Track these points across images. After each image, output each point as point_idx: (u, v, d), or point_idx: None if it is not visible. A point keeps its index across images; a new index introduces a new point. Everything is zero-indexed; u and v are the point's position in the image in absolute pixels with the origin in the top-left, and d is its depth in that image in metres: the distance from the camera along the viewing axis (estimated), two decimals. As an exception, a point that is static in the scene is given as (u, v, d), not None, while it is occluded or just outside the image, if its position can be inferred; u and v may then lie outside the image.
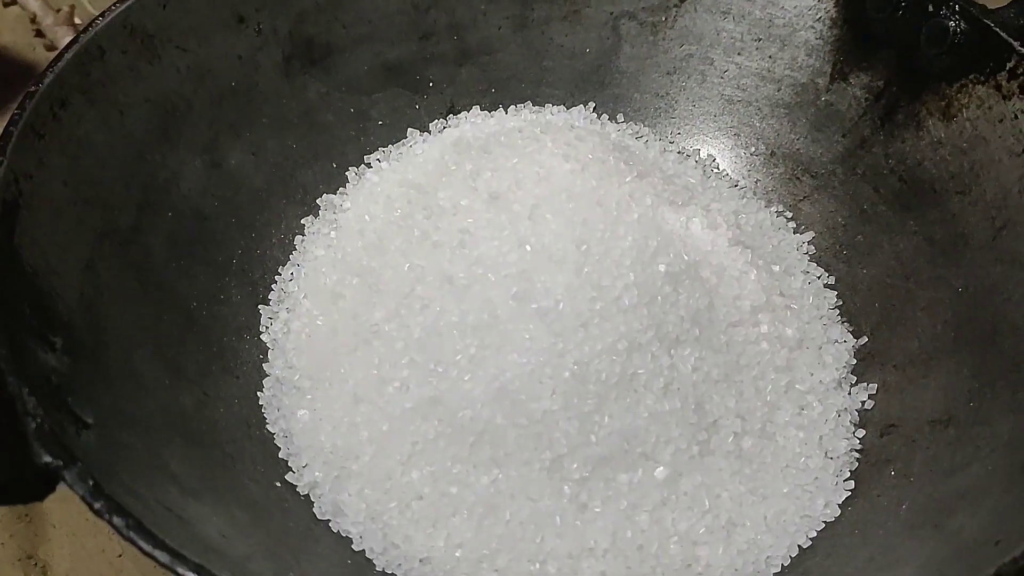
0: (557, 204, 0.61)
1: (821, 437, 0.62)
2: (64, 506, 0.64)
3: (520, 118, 0.74)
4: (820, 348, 0.66)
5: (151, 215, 0.62)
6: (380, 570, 0.56)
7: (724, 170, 0.77)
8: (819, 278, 0.70)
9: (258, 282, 0.68)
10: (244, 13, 0.68)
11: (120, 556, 0.64)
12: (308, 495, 0.59)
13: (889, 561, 0.55)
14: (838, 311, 0.69)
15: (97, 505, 0.42)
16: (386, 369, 0.60)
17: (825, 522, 0.59)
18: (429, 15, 0.75)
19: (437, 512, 0.57)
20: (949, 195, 0.66)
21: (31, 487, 0.43)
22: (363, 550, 0.57)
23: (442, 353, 0.58)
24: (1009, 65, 0.62)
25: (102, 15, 0.60)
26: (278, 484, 0.58)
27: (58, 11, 0.90)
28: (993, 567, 0.47)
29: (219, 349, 0.63)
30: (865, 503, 0.60)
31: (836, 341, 0.66)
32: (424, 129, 0.75)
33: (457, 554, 0.56)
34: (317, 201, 0.71)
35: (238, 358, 0.64)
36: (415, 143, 0.74)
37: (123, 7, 0.61)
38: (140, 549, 0.41)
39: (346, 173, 0.73)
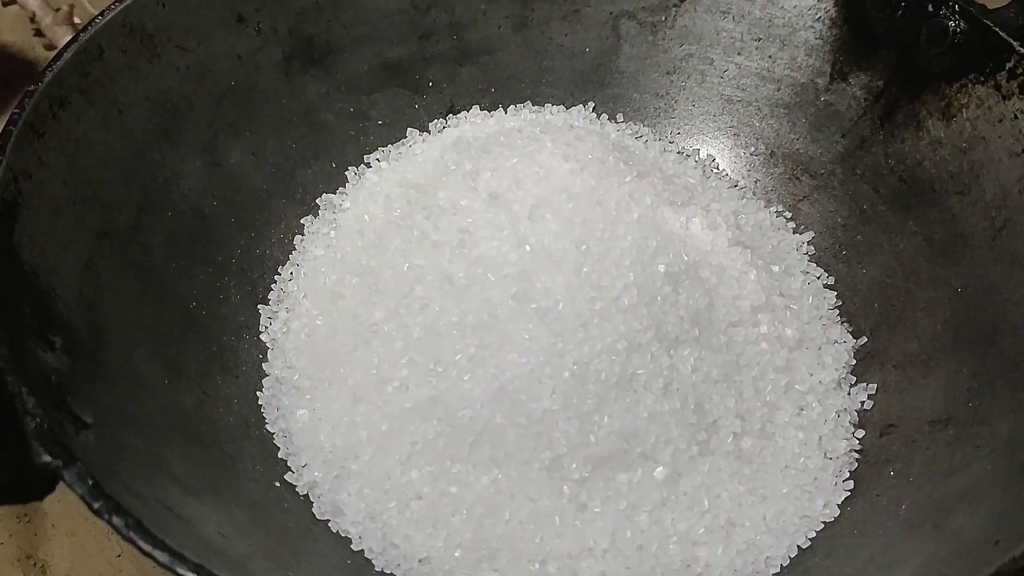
0: (557, 204, 0.61)
1: (820, 437, 0.62)
2: (63, 506, 0.64)
3: (520, 118, 0.74)
4: (820, 348, 0.66)
5: (151, 214, 0.62)
6: (379, 570, 0.56)
7: (724, 170, 0.77)
8: (819, 278, 0.70)
9: (257, 282, 0.68)
10: (244, 12, 0.68)
11: (119, 556, 0.64)
12: (307, 495, 0.59)
13: (888, 561, 0.55)
14: (838, 311, 0.69)
15: (96, 505, 0.42)
16: (385, 369, 0.60)
17: (824, 522, 0.59)
18: (429, 15, 0.75)
19: (436, 512, 0.57)
20: (949, 195, 0.66)
21: (31, 487, 0.43)
22: (362, 550, 0.57)
23: (442, 353, 0.58)
24: (1009, 65, 0.62)
25: (101, 14, 0.60)
26: (277, 484, 0.58)
27: (57, 10, 0.90)
28: (993, 567, 0.47)
29: (219, 349, 0.63)
30: (864, 503, 0.60)
31: (836, 341, 0.66)
32: (424, 129, 0.75)
33: (456, 554, 0.56)
34: (317, 201, 0.71)
35: (237, 358, 0.64)
36: (415, 143, 0.74)
37: (122, 6, 0.61)
38: (139, 549, 0.41)
39: (346, 173, 0.73)
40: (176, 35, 0.64)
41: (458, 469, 0.57)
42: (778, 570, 0.58)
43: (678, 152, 0.76)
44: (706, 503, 0.58)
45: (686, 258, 0.61)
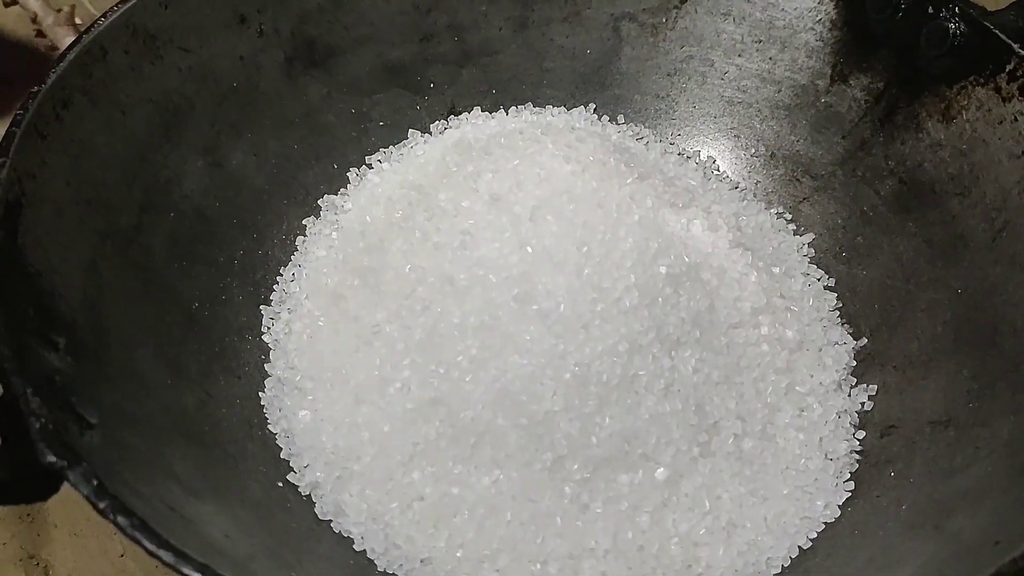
0: (558, 206, 0.61)
1: (821, 439, 0.62)
2: (66, 506, 0.64)
3: (521, 119, 0.74)
4: (820, 350, 0.66)
5: (153, 215, 0.62)
6: (382, 570, 0.56)
7: (724, 172, 0.77)
8: (819, 280, 0.70)
9: (260, 282, 0.68)
10: (246, 14, 0.68)
11: (122, 556, 0.64)
12: (309, 495, 0.59)
13: (889, 562, 0.55)
14: (838, 313, 0.69)
15: (102, 505, 0.42)
16: (387, 370, 0.60)
17: (825, 523, 0.60)
18: (430, 16, 0.75)
19: (438, 513, 0.57)
20: (949, 197, 0.66)
21: (35, 487, 0.43)
22: (364, 550, 0.57)
23: (443, 354, 0.59)
24: (1009, 67, 0.63)
25: (104, 15, 0.60)
26: (280, 484, 0.58)
27: (59, 11, 0.90)
28: (993, 568, 0.47)
29: (221, 349, 0.63)
30: (865, 504, 0.60)
31: (836, 343, 0.67)
32: (425, 130, 0.75)
33: (458, 554, 0.56)
34: (318, 202, 0.71)
35: (240, 358, 0.64)
36: (416, 144, 0.74)
37: (125, 7, 0.61)
38: (145, 549, 0.41)
39: (347, 174, 0.73)
40: (178, 36, 0.64)
41: (460, 470, 0.57)
42: (779, 571, 0.58)
43: (679, 154, 0.77)
44: (707, 504, 0.58)
45: (687, 260, 0.62)
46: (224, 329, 0.64)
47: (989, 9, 0.65)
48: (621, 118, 0.78)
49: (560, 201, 0.61)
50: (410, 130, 0.75)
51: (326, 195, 0.72)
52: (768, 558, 0.58)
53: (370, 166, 0.73)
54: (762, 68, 0.76)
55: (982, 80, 0.64)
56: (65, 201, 0.56)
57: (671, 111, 0.79)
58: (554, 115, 0.76)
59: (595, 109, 0.78)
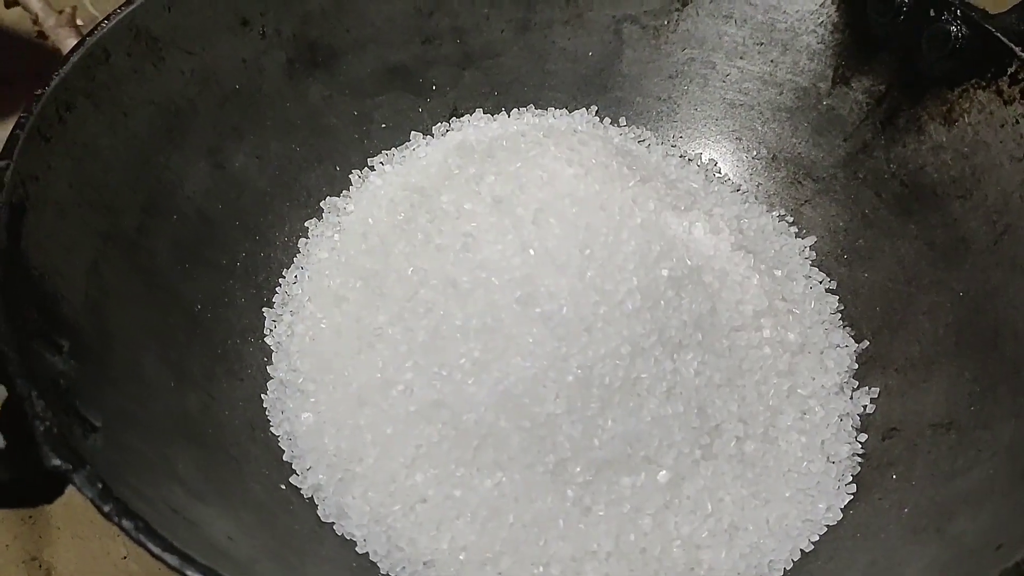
0: (560, 208, 0.61)
1: (823, 441, 0.62)
2: (68, 508, 0.65)
3: (523, 122, 0.75)
4: (822, 353, 0.66)
5: (155, 218, 0.62)
6: (384, 573, 0.56)
7: (726, 174, 0.77)
8: (821, 283, 0.70)
9: (262, 285, 0.68)
10: (248, 16, 0.68)
11: (125, 558, 0.64)
12: (312, 497, 0.59)
13: (891, 564, 0.55)
14: (840, 315, 0.69)
15: (106, 508, 0.42)
16: (390, 372, 0.60)
17: (827, 526, 0.60)
18: (432, 18, 0.75)
19: (441, 515, 0.57)
20: (950, 199, 0.66)
21: (40, 490, 0.43)
22: (367, 552, 0.57)
23: (446, 357, 0.59)
24: (1010, 70, 0.63)
25: (107, 18, 0.60)
26: (283, 486, 0.58)
27: (60, 12, 0.90)
28: (995, 571, 0.47)
29: (223, 352, 0.63)
30: (867, 507, 0.60)
31: (838, 346, 0.67)
32: (427, 132, 0.75)
33: (461, 557, 0.56)
34: (320, 204, 0.72)
35: (242, 361, 0.64)
36: (418, 146, 0.74)
37: (128, 10, 0.61)
38: (149, 552, 0.41)
39: (349, 176, 0.73)
40: (181, 39, 0.64)
41: (462, 472, 0.57)
42: (781, 573, 0.58)
43: (680, 156, 0.77)
44: (709, 507, 0.58)
45: (689, 263, 0.62)
46: (227, 331, 0.64)
47: (990, 12, 0.65)
48: (623, 120, 0.78)
49: (563, 204, 0.61)
50: (412, 132, 0.75)
51: (328, 197, 0.72)
52: (770, 561, 0.58)
53: (372, 168, 0.73)
54: (764, 71, 0.76)
55: (984, 83, 0.64)
56: (68, 203, 0.56)
57: (673, 113, 0.79)
58: (556, 117, 0.76)
59: (597, 111, 0.78)
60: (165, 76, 0.64)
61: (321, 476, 0.59)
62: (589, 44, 0.78)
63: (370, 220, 0.68)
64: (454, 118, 0.76)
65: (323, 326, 0.65)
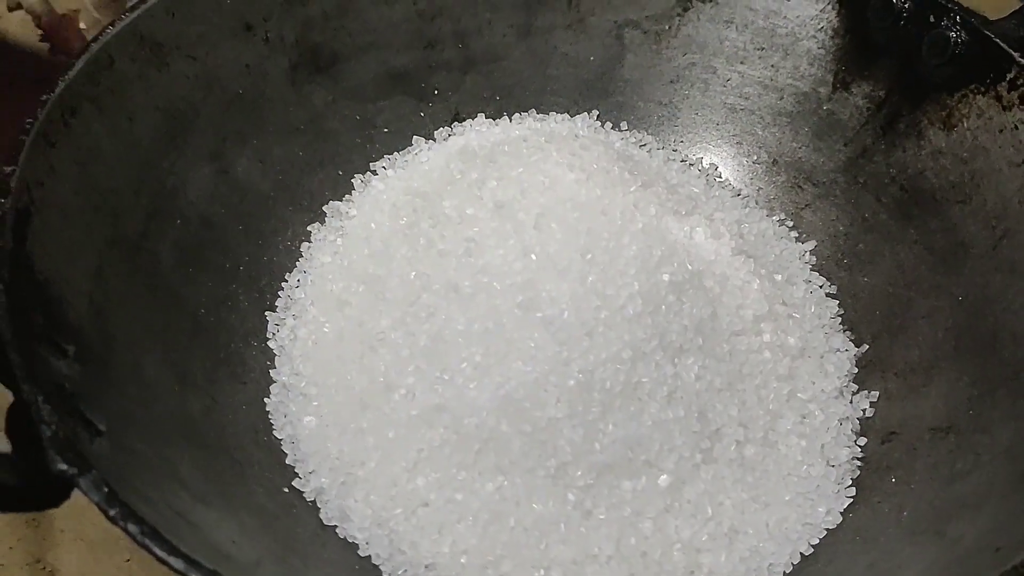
0: (562, 213, 0.61)
1: (823, 445, 0.63)
2: (72, 511, 0.64)
3: (525, 126, 0.75)
4: (822, 357, 0.66)
5: (159, 222, 0.62)
6: None
7: (727, 178, 0.77)
8: (821, 287, 0.71)
9: (265, 288, 0.68)
10: (252, 21, 0.68)
11: (128, 560, 0.64)
12: (315, 501, 0.59)
13: (890, 567, 0.55)
14: (839, 319, 0.69)
15: (112, 512, 0.42)
16: (392, 376, 0.60)
17: (827, 529, 0.60)
18: (434, 23, 0.75)
19: (442, 518, 0.57)
20: (950, 204, 0.66)
21: (45, 494, 0.44)
22: (369, 556, 0.57)
23: (448, 361, 0.59)
24: (1009, 76, 0.63)
25: (111, 24, 0.60)
26: (286, 490, 0.59)
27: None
28: (993, 574, 0.47)
29: (227, 356, 0.63)
30: (866, 510, 0.60)
31: (838, 350, 0.67)
32: (429, 137, 0.75)
33: (462, 560, 0.57)
34: (323, 208, 0.72)
35: (245, 365, 0.64)
36: (420, 151, 0.74)
37: (133, 16, 0.61)
38: (154, 555, 0.42)
39: (352, 180, 0.73)
40: (185, 44, 0.65)
41: (464, 476, 0.58)
42: (780, 576, 0.59)
43: (681, 161, 0.77)
44: (709, 510, 0.58)
45: (690, 267, 0.62)
46: (230, 335, 0.64)
47: (990, 18, 0.65)
48: (624, 125, 0.78)
49: (564, 209, 0.62)
50: (414, 137, 0.75)
51: (331, 201, 0.72)
52: (770, 564, 0.58)
53: (375, 172, 0.74)
54: (764, 75, 0.76)
55: (983, 89, 0.64)
56: (73, 208, 0.56)
57: (674, 118, 0.79)
58: (558, 122, 0.76)
59: (598, 116, 0.78)
60: (169, 81, 0.64)
61: (323, 479, 0.59)
62: (591, 49, 0.78)
63: (372, 224, 0.68)
64: (456, 123, 0.76)
65: (326, 330, 0.65)
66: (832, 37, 0.73)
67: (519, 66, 0.78)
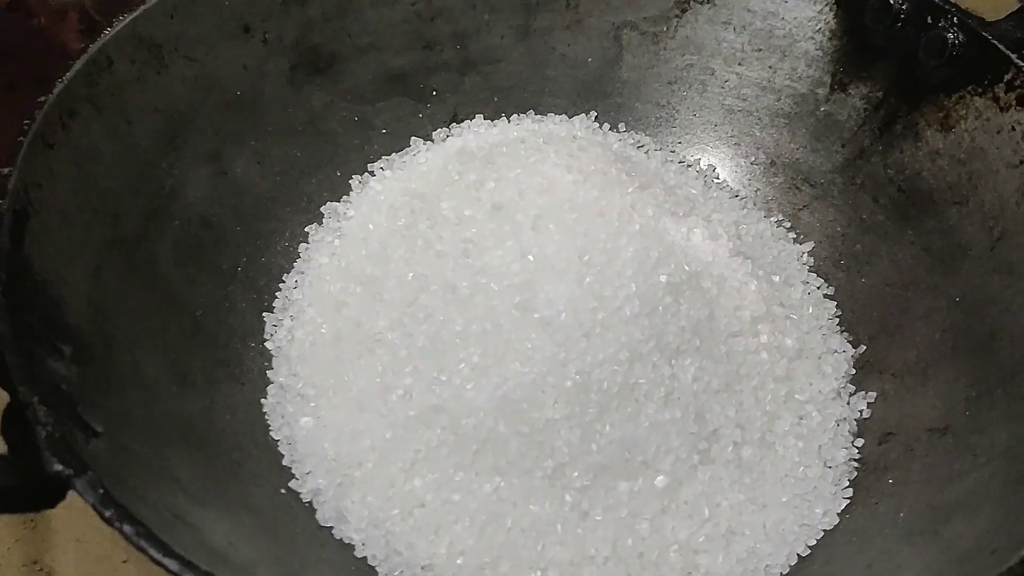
0: (560, 215, 0.61)
1: (820, 446, 0.62)
2: (69, 512, 0.64)
3: (523, 128, 0.75)
4: (819, 358, 0.66)
5: (158, 223, 0.63)
6: (383, 577, 0.57)
7: (724, 179, 0.77)
8: (819, 288, 0.70)
9: (263, 289, 0.68)
10: (250, 23, 0.68)
11: (125, 562, 0.64)
12: (311, 502, 0.59)
13: (887, 568, 0.55)
14: (837, 320, 0.69)
15: (108, 513, 0.42)
16: (389, 377, 0.60)
17: (824, 530, 0.60)
18: (433, 25, 0.75)
19: (439, 519, 0.57)
20: (947, 205, 0.66)
21: (41, 495, 0.44)
22: (365, 557, 0.57)
23: (445, 362, 0.59)
24: (1007, 77, 0.63)
25: (110, 25, 0.61)
26: (282, 491, 0.59)
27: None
28: (991, 575, 0.47)
29: (225, 356, 0.63)
30: (863, 511, 0.60)
31: (835, 351, 0.67)
32: (427, 138, 0.75)
33: (459, 561, 0.57)
34: (321, 209, 0.72)
35: (243, 365, 0.64)
36: (418, 152, 0.74)
37: (132, 17, 0.61)
38: (150, 557, 0.42)
39: (350, 181, 0.73)
40: (184, 45, 0.65)
41: (461, 477, 0.58)
42: (777, 577, 0.59)
43: (679, 162, 0.77)
44: (706, 511, 0.58)
45: (687, 269, 0.62)
46: (228, 336, 0.64)
47: (988, 19, 0.65)
48: (622, 126, 0.78)
49: (562, 210, 0.62)
50: (412, 138, 0.75)
51: (329, 202, 0.72)
52: (767, 565, 0.58)
53: (372, 174, 0.74)
54: (762, 77, 0.76)
55: (980, 90, 0.64)
56: (71, 210, 0.56)
57: (672, 119, 0.79)
58: (556, 123, 0.76)
59: (596, 117, 0.78)
60: (167, 83, 0.64)
61: (320, 480, 0.59)
62: (589, 50, 0.78)
63: (370, 225, 0.68)
64: (454, 124, 0.76)
65: (323, 331, 0.65)
66: (830, 38, 0.73)
67: (517, 67, 0.78)
